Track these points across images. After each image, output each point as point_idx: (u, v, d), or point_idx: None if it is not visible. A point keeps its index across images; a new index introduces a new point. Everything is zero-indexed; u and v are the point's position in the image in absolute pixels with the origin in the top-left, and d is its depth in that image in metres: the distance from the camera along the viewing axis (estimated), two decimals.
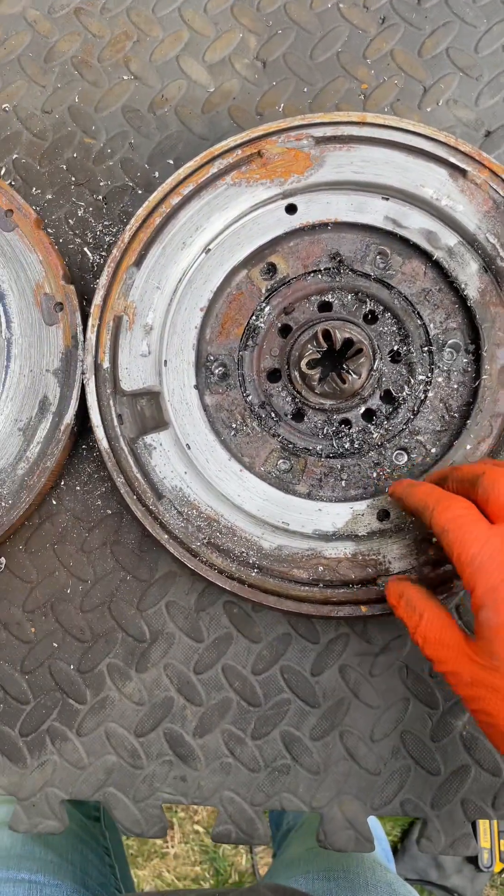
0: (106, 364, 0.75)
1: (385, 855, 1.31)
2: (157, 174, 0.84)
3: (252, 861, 2.00)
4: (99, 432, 0.74)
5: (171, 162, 0.84)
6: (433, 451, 0.75)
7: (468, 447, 0.73)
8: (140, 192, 0.84)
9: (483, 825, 1.88)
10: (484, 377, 0.74)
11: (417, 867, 1.95)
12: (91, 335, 0.75)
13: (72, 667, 0.77)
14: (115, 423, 0.74)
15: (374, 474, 0.75)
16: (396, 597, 0.63)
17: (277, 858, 1.21)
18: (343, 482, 0.75)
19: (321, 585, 0.72)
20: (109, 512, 0.79)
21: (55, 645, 0.78)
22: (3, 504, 0.74)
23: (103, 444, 0.74)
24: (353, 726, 0.76)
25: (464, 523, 0.58)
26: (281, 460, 0.76)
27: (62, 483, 0.80)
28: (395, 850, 1.95)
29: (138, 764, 0.76)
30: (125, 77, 0.86)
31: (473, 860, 1.88)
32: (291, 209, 0.77)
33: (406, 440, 0.75)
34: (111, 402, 0.74)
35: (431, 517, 0.61)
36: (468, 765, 0.75)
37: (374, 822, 1.46)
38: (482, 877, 1.90)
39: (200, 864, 2.01)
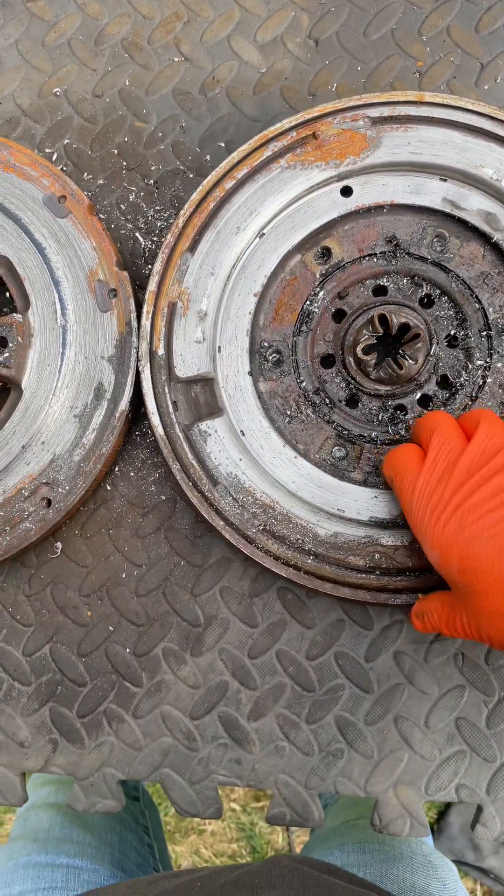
0: (161, 351, 0.75)
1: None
2: (208, 157, 0.83)
3: (289, 839, 2.02)
4: (154, 419, 0.74)
5: (223, 145, 0.83)
6: None
7: None
8: (192, 175, 0.83)
9: None
10: None
11: (454, 848, 1.95)
12: (146, 322, 0.75)
13: (127, 650, 0.78)
14: (171, 409, 0.74)
15: None
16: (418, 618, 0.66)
17: (314, 833, 1.22)
18: None
19: (378, 573, 0.71)
20: (163, 497, 0.80)
21: (111, 629, 0.79)
22: (60, 490, 0.75)
23: (159, 430, 0.74)
24: (408, 712, 0.76)
25: (396, 467, 0.66)
26: (336, 447, 0.76)
27: (116, 469, 0.80)
28: (431, 831, 1.96)
29: (194, 746, 0.77)
30: (176, 59, 0.85)
31: None
32: (347, 192, 0.76)
33: None
34: (166, 389, 0.75)
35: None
36: None
37: None
38: None
39: (238, 840, 2.05)
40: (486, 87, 0.82)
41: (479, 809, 0.74)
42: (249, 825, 2.03)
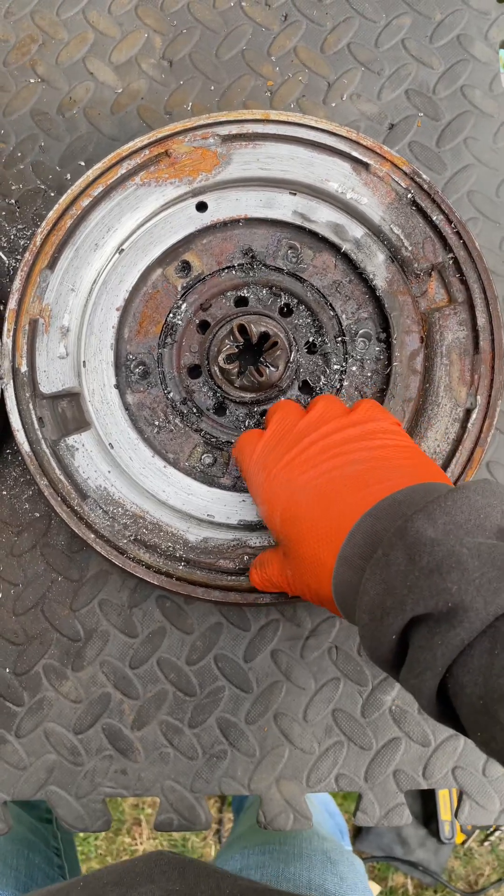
0: (24, 368, 0.75)
1: (338, 829, 1.34)
2: (69, 176, 0.84)
3: (203, 807, 2.02)
4: (20, 436, 0.74)
5: (83, 163, 0.85)
6: None
7: None
8: (53, 194, 0.84)
9: (443, 798, 1.93)
10: (395, 364, 0.76)
11: (382, 844, 1.99)
12: (7, 340, 0.75)
13: (7, 670, 0.78)
14: (36, 426, 0.75)
15: None
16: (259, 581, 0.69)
17: (227, 839, 1.23)
18: None
19: (247, 574, 0.73)
20: (37, 515, 0.80)
21: None
22: None
23: (25, 447, 0.74)
24: (287, 708, 0.78)
25: (242, 448, 0.69)
26: (205, 455, 0.78)
27: None
28: (359, 830, 1.99)
29: (78, 761, 0.77)
30: (32, 80, 0.86)
31: (435, 833, 1.94)
32: (202, 207, 0.78)
33: None
34: (31, 406, 0.75)
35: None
36: (398, 737, 0.77)
37: (326, 798, 1.49)
38: (445, 849, 1.96)
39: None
40: (333, 105, 0.87)
41: (360, 797, 0.77)
42: (182, 841, 2.02)
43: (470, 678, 0.44)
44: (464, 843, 1.97)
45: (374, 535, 0.51)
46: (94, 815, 0.76)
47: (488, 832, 1.98)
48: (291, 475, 0.60)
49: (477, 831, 1.98)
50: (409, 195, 0.78)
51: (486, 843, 1.99)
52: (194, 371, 0.80)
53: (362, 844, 1.97)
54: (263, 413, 0.79)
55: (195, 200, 0.78)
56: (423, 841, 1.99)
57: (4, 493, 0.80)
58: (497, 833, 1.97)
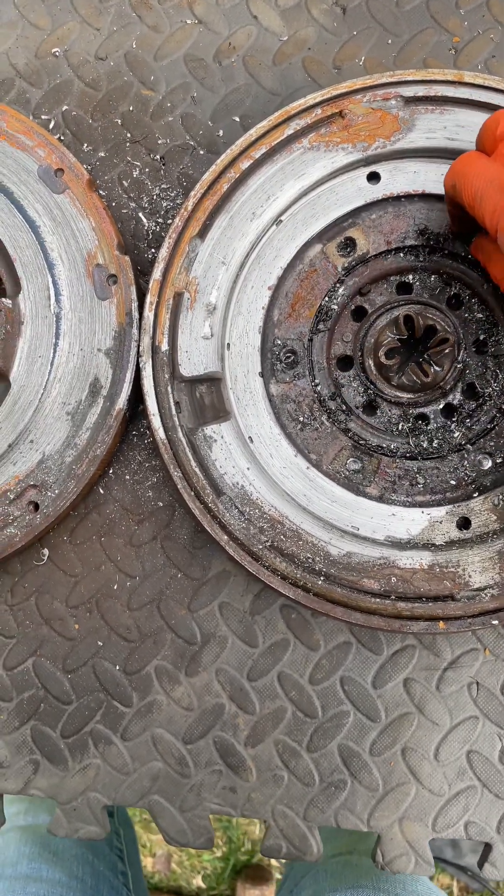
0: (164, 346, 0.68)
1: None
2: (221, 133, 0.76)
3: (315, 838, 2.00)
4: (155, 421, 0.67)
5: (238, 119, 0.76)
6: None
7: None
8: (202, 152, 0.76)
9: None
10: None
11: (433, 844, 1.94)
12: (149, 313, 0.68)
13: (117, 667, 0.73)
14: (173, 411, 0.68)
15: (455, 481, 0.68)
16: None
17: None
18: (420, 486, 0.69)
19: (393, 597, 0.66)
20: (161, 504, 0.74)
21: (100, 643, 0.73)
22: (49, 493, 0.68)
23: (160, 434, 0.67)
24: (417, 744, 0.71)
25: (466, 163, 0.59)
26: (351, 459, 0.70)
27: (110, 471, 0.74)
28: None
29: (186, 772, 0.72)
30: (188, 21, 0.78)
31: None
32: (374, 177, 0.69)
33: (492, 443, 0.69)
34: (169, 389, 0.68)
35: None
36: None
37: None
38: None
39: (214, 831, 2.02)
40: None
41: (489, 848, 0.70)
42: (225, 816, 2.00)
43: None
44: None
45: None
46: (198, 832, 0.71)
47: None
48: None
49: None
50: None
51: None
52: (346, 363, 0.72)
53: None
54: (419, 416, 0.70)
55: (367, 170, 0.69)
56: (475, 847, 1.93)
57: (127, 478, 0.74)
58: None
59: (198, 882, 1.91)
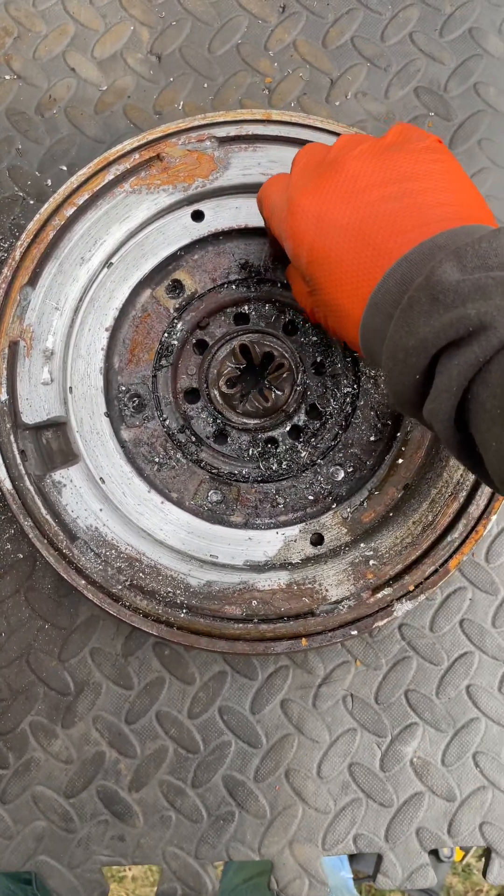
0: (3, 395, 0.68)
1: (348, 886, 1.27)
2: (49, 182, 0.77)
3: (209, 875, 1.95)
4: (0, 472, 0.67)
5: (65, 168, 0.77)
6: (369, 462, 0.71)
7: (406, 455, 0.69)
8: (32, 202, 0.76)
9: None
10: None
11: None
12: None
13: None
14: (18, 460, 0.67)
15: (312, 496, 0.70)
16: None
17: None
18: (281, 506, 0.70)
19: (256, 621, 0.67)
20: (20, 556, 0.72)
21: None
22: None
23: (6, 484, 0.67)
24: (300, 764, 0.71)
25: (269, 181, 0.62)
26: (212, 491, 0.71)
27: None
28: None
29: (71, 827, 0.70)
30: (7, 77, 0.79)
31: (434, 852, 1.88)
32: (198, 216, 0.72)
33: (340, 455, 0.71)
34: (12, 438, 0.67)
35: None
36: (421, 792, 0.71)
37: None
38: (443, 867, 1.91)
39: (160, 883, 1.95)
40: (337, 104, 0.80)
41: (379, 858, 0.71)
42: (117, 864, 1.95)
43: (489, 392, 0.42)
44: (462, 859, 1.93)
45: (408, 282, 0.47)
46: (90, 887, 0.69)
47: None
48: (319, 208, 0.53)
49: (475, 847, 1.94)
50: None
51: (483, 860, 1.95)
52: (192, 396, 0.73)
53: (358, 864, 1.91)
54: (268, 440, 0.72)
55: (191, 209, 0.71)
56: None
57: None
58: None
59: None
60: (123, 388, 0.71)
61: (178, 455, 0.71)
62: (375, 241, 0.50)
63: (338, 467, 0.72)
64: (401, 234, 0.50)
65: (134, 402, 0.71)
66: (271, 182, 0.62)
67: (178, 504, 0.69)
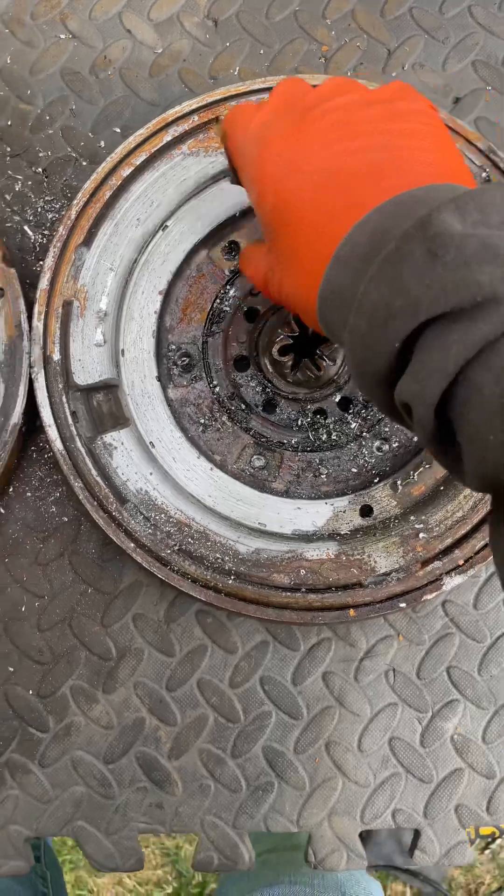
0: (56, 356, 0.67)
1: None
2: (102, 143, 0.76)
3: (246, 846, 1.96)
4: (52, 432, 0.66)
5: (118, 130, 0.76)
6: (414, 437, 0.71)
7: None
8: (85, 163, 0.76)
9: None
10: None
11: (382, 852, 1.94)
12: (38, 323, 0.67)
13: (31, 692, 0.70)
14: (70, 421, 0.66)
15: (356, 468, 0.70)
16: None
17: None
18: (323, 476, 0.70)
19: (303, 590, 0.66)
20: (65, 519, 0.72)
21: (10, 669, 0.70)
22: None
23: (57, 445, 0.66)
24: (340, 737, 0.71)
25: (232, 120, 0.56)
26: (255, 456, 0.70)
27: (10, 490, 0.72)
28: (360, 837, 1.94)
29: (109, 793, 0.69)
30: (62, 36, 0.78)
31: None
32: None
33: (386, 429, 0.70)
34: (64, 399, 0.67)
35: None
36: (461, 769, 0.71)
37: None
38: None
39: (163, 866, 1.96)
40: (393, 74, 0.79)
41: (417, 834, 0.70)
42: (174, 849, 1.95)
43: (490, 377, 0.35)
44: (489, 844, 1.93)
45: (384, 232, 0.40)
46: (126, 854, 0.69)
47: (489, 840, 1.94)
48: (293, 154, 0.48)
49: (478, 840, 1.94)
50: (485, 174, 0.71)
51: (486, 852, 1.95)
52: (242, 364, 0.73)
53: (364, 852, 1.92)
54: (317, 411, 0.72)
55: None
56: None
57: (29, 494, 0.72)
58: (498, 841, 1.93)
59: None
60: (174, 347, 0.70)
61: (225, 418, 0.70)
62: (350, 188, 0.45)
63: (383, 441, 0.71)
64: (380, 183, 0.44)
65: (184, 361, 0.70)
66: (238, 113, 0.56)
67: (221, 467, 0.69)
